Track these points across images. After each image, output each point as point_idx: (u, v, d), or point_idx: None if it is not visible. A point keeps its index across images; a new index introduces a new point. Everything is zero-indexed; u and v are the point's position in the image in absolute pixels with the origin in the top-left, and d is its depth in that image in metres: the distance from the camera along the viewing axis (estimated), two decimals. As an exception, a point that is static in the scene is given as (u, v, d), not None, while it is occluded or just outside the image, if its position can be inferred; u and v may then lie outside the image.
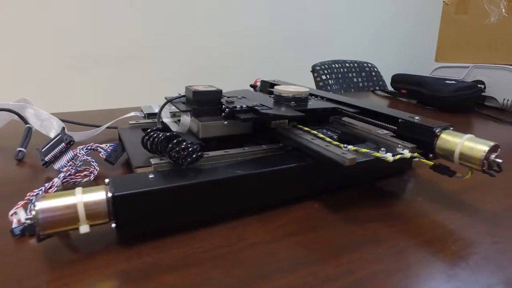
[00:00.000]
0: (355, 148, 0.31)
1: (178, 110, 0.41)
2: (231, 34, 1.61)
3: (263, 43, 1.69)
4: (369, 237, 0.28)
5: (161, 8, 1.45)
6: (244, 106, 0.38)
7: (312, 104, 0.42)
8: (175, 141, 0.31)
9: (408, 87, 0.88)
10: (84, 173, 0.36)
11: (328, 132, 0.39)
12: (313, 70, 1.10)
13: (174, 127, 0.41)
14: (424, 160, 0.32)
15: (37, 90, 1.25)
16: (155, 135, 0.32)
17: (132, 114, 0.51)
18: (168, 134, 0.32)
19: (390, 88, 1.00)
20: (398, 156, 0.30)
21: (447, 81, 0.79)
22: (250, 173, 0.30)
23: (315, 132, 0.37)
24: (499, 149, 0.30)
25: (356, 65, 1.23)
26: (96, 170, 0.37)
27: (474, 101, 0.78)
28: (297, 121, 0.40)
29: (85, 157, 0.38)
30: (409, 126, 0.35)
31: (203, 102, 0.39)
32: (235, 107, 0.38)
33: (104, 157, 0.39)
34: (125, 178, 0.27)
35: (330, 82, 1.10)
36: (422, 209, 0.33)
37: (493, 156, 0.29)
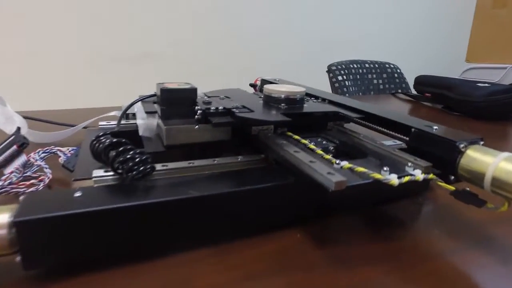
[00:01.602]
0: (350, 165, 0.24)
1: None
2: (247, 33, 1.55)
3: (278, 42, 1.62)
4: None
5: (175, 6, 1.42)
6: (220, 108, 0.32)
7: (308, 107, 0.35)
8: (121, 149, 0.25)
9: (433, 90, 0.79)
10: (32, 181, 0.31)
11: (324, 142, 0.32)
12: (329, 71, 1.02)
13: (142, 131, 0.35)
14: (443, 184, 0.25)
15: (49, 87, 1.25)
16: (102, 140, 0.27)
17: (112, 113, 0.46)
18: (115, 140, 0.26)
19: (413, 91, 0.90)
20: (406, 179, 0.23)
21: (478, 84, 0.69)
22: (208, 195, 0.23)
23: (305, 141, 0.30)
24: (549, 175, 0.22)
25: (376, 65, 1.13)
26: (48, 178, 0.32)
27: (511, 107, 0.67)
28: (286, 127, 0.33)
29: (38, 162, 0.33)
30: (425, 137, 0.27)
31: (173, 102, 0.32)
32: (209, 109, 0.31)
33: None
34: (43, 196, 0.21)
35: (347, 84, 1.01)
36: (437, 247, 0.25)
37: (540, 184, 0.21)
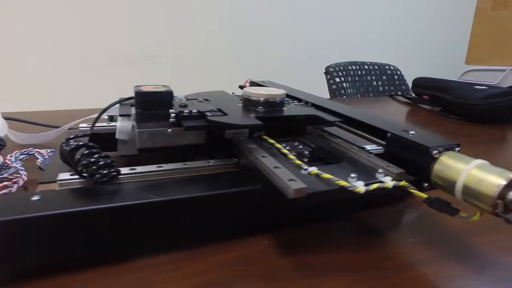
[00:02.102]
0: (317, 171, 0.23)
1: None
2: (247, 34, 1.55)
3: (278, 44, 1.61)
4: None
5: (175, 8, 1.42)
6: (194, 111, 0.31)
7: (287, 110, 0.35)
8: (86, 152, 0.25)
9: (431, 93, 0.77)
10: (5, 183, 0.31)
11: (300, 146, 0.31)
12: (326, 72, 1.01)
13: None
14: (416, 192, 0.24)
15: (49, 88, 1.26)
16: (70, 143, 0.26)
17: (96, 115, 0.46)
18: (81, 143, 0.25)
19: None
20: (373, 186, 0.22)
21: (476, 87, 0.67)
22: (168, 200, 0.23)
23: (279, 146, 0.29)
24: (523, 184, 0.20)
25: (376, 67, 1.11)
26: (23, 180, 0.32)
27: (510, 111, 0.66)
28: (262, 130, 0.32)
29: (14, 164, 0.33)
30: (400, 143, 0.26)
31: (148, 105, 0.32)
32: (182, 112, 0.31)
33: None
34: (5, 199, 0.21)
35: (345, 85, 1.00)
36: (411, 255, 0.24)
37: (512, 194, 0.20)
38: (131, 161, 0.29)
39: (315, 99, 0.41)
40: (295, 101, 0.39)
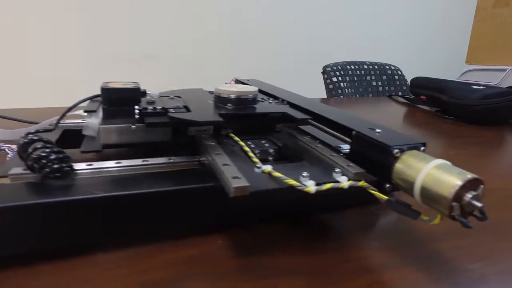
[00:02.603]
0: (270, 170, 0.22)
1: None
2: (247, 34, 1.54)
3: (278, 43, 1.60)
4: (264, 305, 0.19)
5: (176, 8, 1.43)
6: (158, 107, 0.30)
7: (258, 108, 0.34)
8: (38, 146, 0.24)
9: (428, 93, 0.75)
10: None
11: (266, 145, 0.30)
12: (324, 72, 1.00)
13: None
14: (376, 193, 0.22)
15: (49, 86, 1.28)
16: (28, 137, 0.26)
17: (78, 112, 0.46)
18: (34, 137, 0.25)
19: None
20: (326, 186, 0.21)
21: (474, 86, 0.65)
22: (114, 195, 0.22)
23: (242, 143, 0.28)
24: (482, 186, 0.19)
25: (376, 67, 1.09)
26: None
27: (509, 111, 0.63)
28: (230, 128, 0.31)
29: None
30: (364, 141, 0.25)
31: (115, 102, 0.32)
32: (146, 108, 0.30)
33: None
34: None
35: (342, 85, 0.98)
36: (372, 260, 0.23)
37: (469, 196, 0.18)
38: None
39: (294, 98, 0.40)
40: (270, 99, 0.38)
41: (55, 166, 0.24)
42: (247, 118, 0.31)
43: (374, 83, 1.07)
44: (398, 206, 0.22)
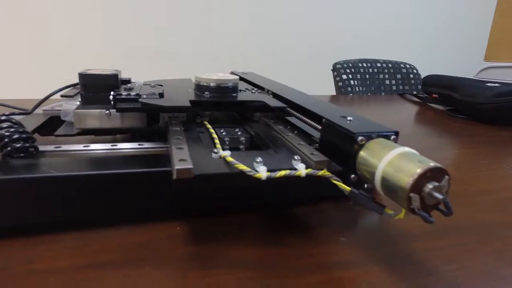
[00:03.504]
0: (226, 155, 0.21)
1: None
2: (259, 30, 1.54)
3: (292, 41, 1.58)
4: (204, 295, 0.18)
5: (188, 4, 1.44)
6: (132, 93, 0.30)
7: (236, 96, 0.33)
8: (5, 126, 0.25)
9: (440, 91, 0.71)
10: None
11: (239, 133, 0.29)
12: (334, 69, 0.97)
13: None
14: (339, 184, 0.21)
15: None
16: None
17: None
18: (1, 117, 0.25)
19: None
20: (280, 174, 0.20)
21: (488, 84, 0.61)
22: (67, 175, 0.21)
23: (212, 131, 0.27)
24: (446, 177, 0.17)
25: (390, 65, 1.05)
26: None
27: (527, 111, 0.58)
28: (203, 115, 0.30)
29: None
30: (332, 129, 0.23)
31: (92, 88, 0.32)
32: (120, 94, 0.30)
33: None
34: None
35: (352, 83, 0.95)
36: (335, 256, 0.21)
37: (430, 186, 0.17)
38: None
39: (282, 89, 0.38)
40: (254, 89, 0.37)
41: (17, 145, 0.24)
42: (219, 105, 0.30)
43: (387, 81, 1.03)
44: (362, 198, 0.20)
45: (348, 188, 0.20)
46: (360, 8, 1.64)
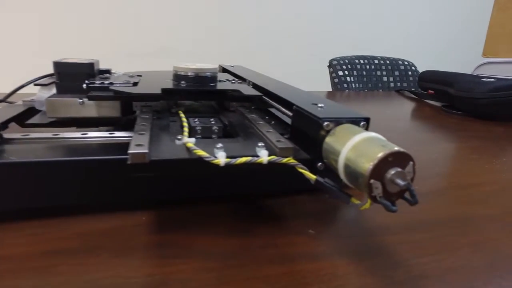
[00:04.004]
0: (188, 141, 0.20)
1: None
2: (261, 26, 1.53)
3: (292, 39, 1.57)
4: (143, 281, 0.17)
5: (194, 3, 1.44)
6: (106, 82, 0.29)
7: (212, 86, 0.32)
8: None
9: (436, 87, 0.70)
10: None
11: (213, 122, 0.28)
12: (330, 65, 0.96)
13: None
14: (305, 172, 0.20)
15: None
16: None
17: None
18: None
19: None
20: (240, 160, 0.19)
21: (484, 79, 0.59)
22: (27, 162, 0.21)
23: (184, 119, 0.27)
24: (411, 163, 0.16)
25: (388, 62, 1.04)
26: None
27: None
28: (178, 105, 0.30)
29: None
30: (301, 116, 0.22)
31: (66, 76, 0.31)
32: (94, 83, 0.29)
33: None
34: None
35: (349, 80, 0.94)
36: (300, 247, 0.21)
37: (392, 172, 0.16)
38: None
39: (264, 81, 0.37)
40: (235, 80, 0.36)
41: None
42: (191, 94, 0.30)
43: (385, 78, 1.02)
44: (327, 187, 0.19)
45: (313, 177, 0.19)
46: (359, 5, 1.62)
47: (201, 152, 0.18)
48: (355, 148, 0.17)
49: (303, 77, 1.35)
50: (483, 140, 0.48)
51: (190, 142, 0.20)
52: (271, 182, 0.24)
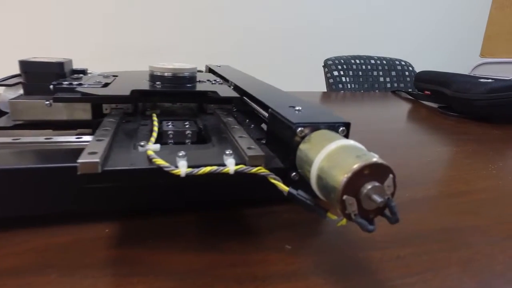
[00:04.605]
0: (151, 148, 0.19)
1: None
2: (258, 30, 1.51)
3: (289, 41, 1.55)
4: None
5: (189, 2, 1.42)
6: (75, 83, 0.28)
7: (189, 87, 0.30)
8: None
9: (432, 87, 0.68)
10: None
11: (187, 126, 0.26)
12: (325, 65, 0.94)
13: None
14: (277, 183, 0.18)
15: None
16: None
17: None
18: None
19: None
20: (203, 170, 0.17)
21: (481, 80, 0.58)
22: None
23: (155, 123, 0.25)
24: (391, 176, 0.14)
25: (384, 62, 1.02)
26: None
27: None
28: (150, 108, 0.28)
29: None
30: (275, 120, 0.20)
31: (33, 76, 0.29)
32: (61, 84, 0.27)
33: None
34: None
35: (344, 80, 0.92)
36: (273, 266, 0.19)
37: (369, 187, 0.14)
38: None
39: (247, 82, 0.35)
40: (215, 80, 0.35)
41: None
42: (163, 95, 0.28)
43: (381, 78, 1.00)
44: (301, 200, 0.17)
45: (286, 188, 0.18)
46: (355, 5, 1.61)
47: (160, 161, 0.17)
48: (329, 157, 0.15)
49: (300, 77, 1.33)
50: (479, 144, 0.46)
51: (151, 149, 0.18)
52: (245, 190, 0.23)
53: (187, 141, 0.25)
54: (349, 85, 0.93)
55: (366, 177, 0.14)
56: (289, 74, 1.43)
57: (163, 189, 0.21)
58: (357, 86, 0.96)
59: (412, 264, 0.20)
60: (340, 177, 0.14)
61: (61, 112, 0.28)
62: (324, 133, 0.18)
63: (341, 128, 0.18)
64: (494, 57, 0.70)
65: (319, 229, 0.23)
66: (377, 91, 1.00)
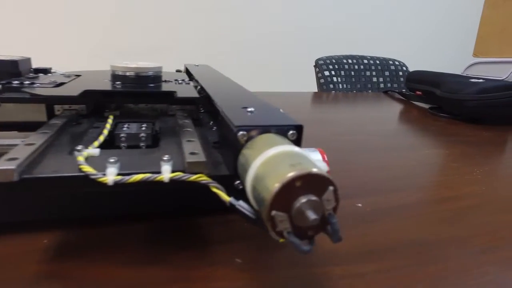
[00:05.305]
0: (87, 153, 0.17)
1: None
2: (256, 27, 1.49)
3: (289, 41, 1.54)
4: None
5: (184, 2, 1.40)
6: (26, 83, 0.26)
7: (150, 87, 0.28)
8: None
9: (423, 88, 0.66)
10: None
11: (143, 128, 0.25)
12: (316, 65, 0.92)
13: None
14: (219, 192, 0.16)
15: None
16: None
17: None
18: None
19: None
20: (134, 178, 0.15)
21: (472, 80, 0.56)
22: None
23: (108, 126, 0.23)
24: (331, 189, 0.13)
25: (378, 62, 1.00)
26: None
27: (509, 109, 0.53)
28: (108, 109, 0.26)
29: None
30: (223, 122, 0.19)
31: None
32: (10, 83, 0.26)
33: None
34: None
35: (335, 80, 0.90)
36: (217, 282, 0.17)
37: (303, 200, 0.12)
38: None
39: (216, 82, 0.34)
40: (183, 80, 0.33)
41: None
42: (121, 96, 0.26)
43: (374, 79, 0.98)
44: (243, 212, 0.16)
45: (227, 198, 0.16)
46: (349, 4, 1.59)
47: (87, 168, 0.15)
48: (264, 165, 0.14)
49: (300, 77, 1.31)
50: (467, 146, 0.44)
51: (89, 154, 0.17)
52: (191, 199, 0.21)
53: (141, 144, 0.24)
54: (340, 85, 0.91)
55: (300, 190, 0.12)
56: (289, 74, 1.41)
57: (104, 196, 0.19)
58: (349, 86, 0.94)
59: (372, 282, 0.18)
60: (270, 188, 0.12)
61: (12, 113, 0.26)
62: (268, 137, 0.16)
63: (290, 132, 0.17)
64: (487, 57, 0.68)
65: (275, 241, 0.21)
66: (370, 91, 0.98)
